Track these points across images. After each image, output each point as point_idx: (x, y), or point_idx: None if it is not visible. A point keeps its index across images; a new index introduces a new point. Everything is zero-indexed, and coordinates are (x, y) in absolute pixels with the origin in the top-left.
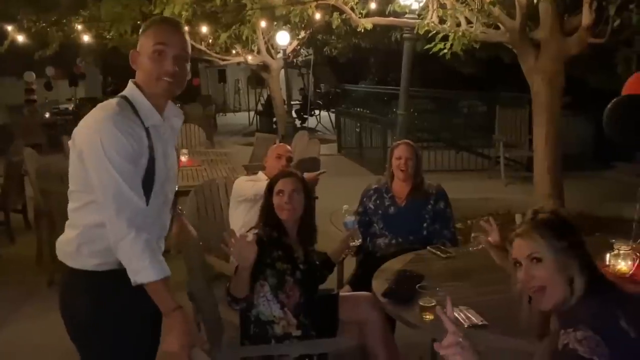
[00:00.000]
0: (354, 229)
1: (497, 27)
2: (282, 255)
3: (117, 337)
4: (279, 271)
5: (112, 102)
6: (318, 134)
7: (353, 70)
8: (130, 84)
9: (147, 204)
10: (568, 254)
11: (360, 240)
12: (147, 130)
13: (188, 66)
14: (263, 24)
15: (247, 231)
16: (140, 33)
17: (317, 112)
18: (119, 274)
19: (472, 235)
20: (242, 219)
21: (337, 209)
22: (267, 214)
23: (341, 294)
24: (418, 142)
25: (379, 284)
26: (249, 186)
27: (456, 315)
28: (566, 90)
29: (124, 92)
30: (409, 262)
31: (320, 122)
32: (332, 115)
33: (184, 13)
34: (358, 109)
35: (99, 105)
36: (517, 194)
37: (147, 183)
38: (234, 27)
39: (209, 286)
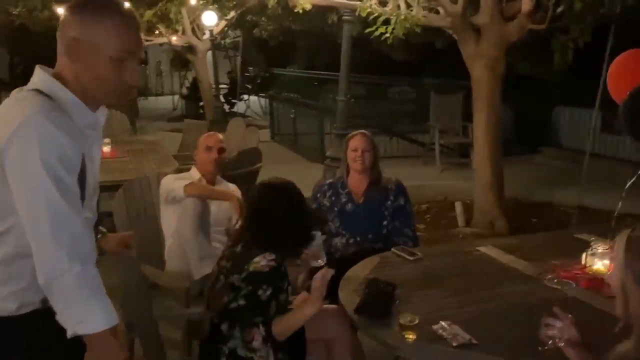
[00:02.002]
0: (318, 248)
1: (437, 12)
2: (287, 287)
3: None
4: (279, 304)
5: (29, 95)
6: (248, 119)
7: (282, 54)
8: (43, 75)
9: None
10: None
11: (324, 260)
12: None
13: None
14: (193, 1)
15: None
16: (86, 14)
17: (246, 96)
18: (46, 313)
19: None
20: (173, 224)
21: None
22: (265, 232)
23: None
24: (354, 128)
25: (347, 296)
26: (169, 184)
27: (441, 332)
28: None
29: (36, 85)
30: (375, 267)
31: (249, 107)
32: (262, 100)
33: None
34: (292, 95)
35: (16, 99)
36: (453, 181)
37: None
38: (160, 4)
39: (148, 305)
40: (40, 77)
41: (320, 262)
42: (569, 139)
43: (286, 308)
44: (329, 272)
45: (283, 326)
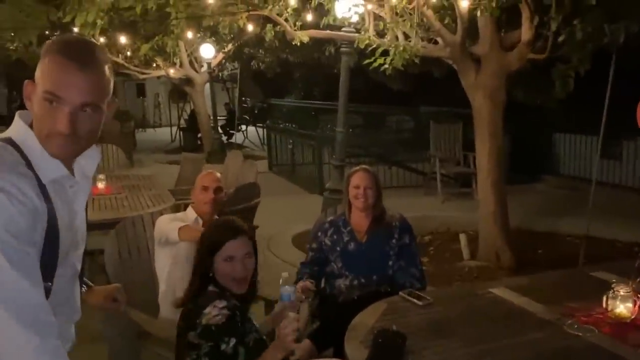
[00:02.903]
0: (291, 303)
1: (435, 42)
2: (250, 327)
3: None
4: (247, 346)
5: None
6: (246, 150)
7: (279, 85)
8: (19, 122)
9: (52, 285)
10: None
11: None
12: (43, 188)
13: (101, 113)
14: (190, 35)
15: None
16: (42, 52)
17: (243, 127)
18: None
19: None
20: (167, 268)
21: (274, 234)
22: (207, 279)
23: None
24: (352, 157)
25: (354, 348)
26: (163, 225)
27: None
28: None
29: (10, 134)
30: (383, 314)
31: (247, 137)
32: (260, 131)
33: (99, 21)
34: (290, 125)
35: None
36: (455, 211)
37: (50, 259)
38: (156, 38)
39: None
40: (16, 124)
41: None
42: (568, 167)
43: (263, 342)
44: (295, 319)
45: None
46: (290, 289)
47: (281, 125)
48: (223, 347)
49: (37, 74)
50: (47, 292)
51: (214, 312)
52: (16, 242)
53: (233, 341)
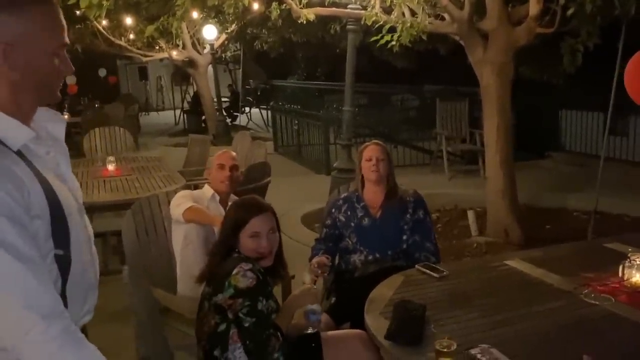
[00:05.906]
0: (317, 322)
1: (442, 18)
2: (270, 292)
3: None
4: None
5: None
6: (250, 132)
7: (282, 65)
8: None
9: (70, 255)
10: None
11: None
12: (19, 154)
13: None
14: (195, 15)
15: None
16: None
17: (247, 109)
18: None
19: None
20: (180, 243)
21: (283, 214)
22: (231, 251)
23: (324, 333)
24: (358, 137)
25: (374, 319)
26: (176, 204)
27: (480, 357)
28: None
29: None
30: (400, 286)
31: (251, 119)
32: (264, 112)
33: (104, 2)
34: (295, 106)
35: None
36: (462, 188)
37: (60, 227)
38: (161, 19)
39: (163, 336)
40: None
41: (311, 330)
42: (575, 143)
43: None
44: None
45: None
46: (318, 308)
47: (286, 107)
48: (260, 307)
49: (19, 29)
50: (67, 261)
51: (241, 277)
52: (6, 223)
53: (264, 300)
